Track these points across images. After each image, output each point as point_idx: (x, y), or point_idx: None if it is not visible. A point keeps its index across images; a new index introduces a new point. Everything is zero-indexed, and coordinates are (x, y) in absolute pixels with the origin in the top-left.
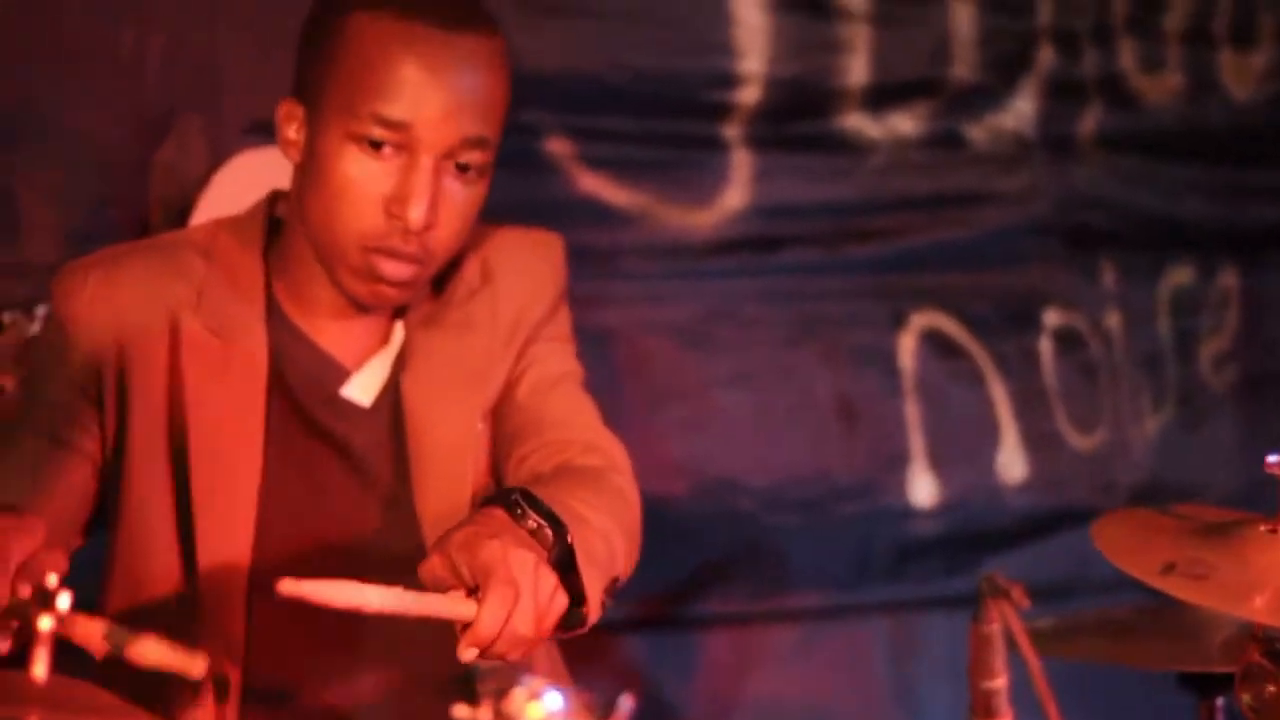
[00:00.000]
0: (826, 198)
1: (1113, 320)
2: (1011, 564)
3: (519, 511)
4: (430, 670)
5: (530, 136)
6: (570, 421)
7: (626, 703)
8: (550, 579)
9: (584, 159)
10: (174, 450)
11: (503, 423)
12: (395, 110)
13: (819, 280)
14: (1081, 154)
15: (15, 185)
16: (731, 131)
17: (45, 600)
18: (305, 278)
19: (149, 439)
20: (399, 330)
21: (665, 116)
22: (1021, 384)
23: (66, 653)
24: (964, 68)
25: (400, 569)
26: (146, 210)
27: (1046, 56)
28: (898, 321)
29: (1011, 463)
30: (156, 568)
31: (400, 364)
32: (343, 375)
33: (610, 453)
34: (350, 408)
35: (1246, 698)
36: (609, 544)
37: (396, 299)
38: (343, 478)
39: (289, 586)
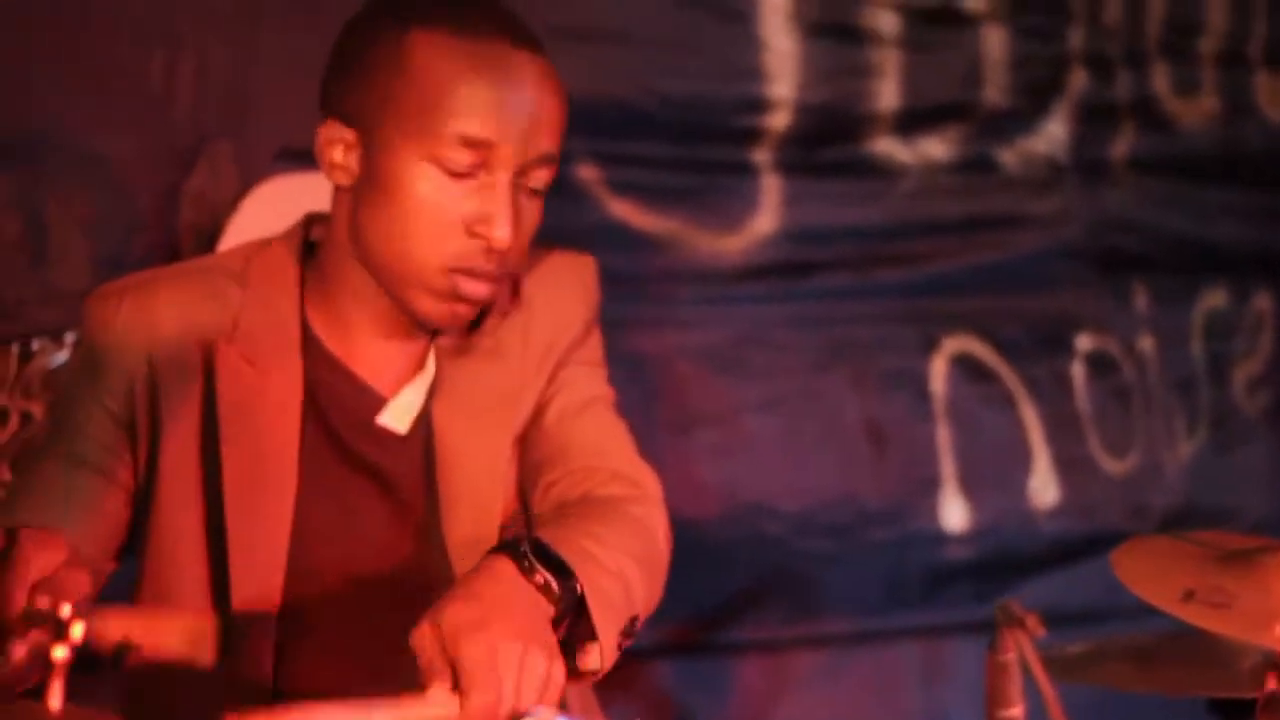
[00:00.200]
0: (857, 222)
1: (1146, 344)
2: (1043, 589)
3: (526, 564)
4: None
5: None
6: (599, 447)
7: None
8: (541, 664)
9: (613, 185)
10: (207, 478)
11: (530, 449)
12: (480, 130)
13: (849, 305)
14: (1114, 178)
15: (45, 212)
16: (761, 157)
17: (60, 631)
18: (345, 303)
19: (181, 467)
20: (433, 356)
21: (695, 142)
22: (1053, 408)
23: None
24: (995, 91)
25: (435, 593)
26: (176, 237)
27: (1078, 80)
28: (929, 346)
29: (1043, 487)
30: (185, 595)
31: (433, 390)
32: (378, 402)
33: (638, 480)
34: (386, 435)
35: None
36: (624, 583)
37: (470, 318)
38: (377, 506)
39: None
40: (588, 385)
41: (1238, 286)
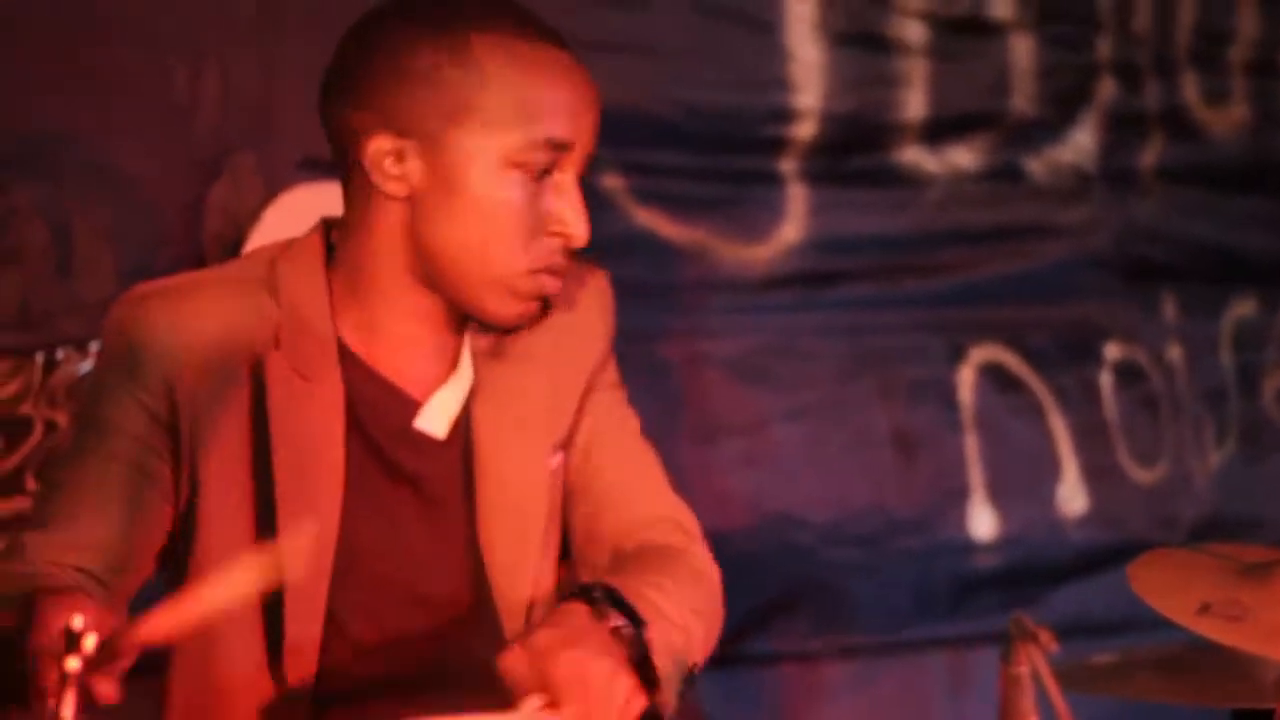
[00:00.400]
0: (883, 232)
1: (1174, 353)
2: (1071, 598)
3: (599, 609)
4: None
5: (586, 172)
6: (642, 487)
7: None
8: (626, 686)
9: (639, 195)
10: (258, 491)
11: (565, 471)
12: (564, 131)
13: (876, 314)
14: (1142, 187)
15: (70, 223)
16: (787, 166)
17: (72, 642)
18: (378, 309)
19: (229, 478)
20: (466, 356)
21: (721, 152)
22: (1082, 417)
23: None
24: (1023, 100)
25: (471, 608)
26: (201, 248)
27: (1107, 89)
28: (957, 355)
29: (1072, 496)
30: (231, 623)
31: (472, 393)
32: (412, 407)
33: (686, 524)
34: (424, 440)
35: None
36: (687, 635)
37: (538, 315)
38: (416, 513)
39: None
40: (618, 411)
41: (1267, 296)
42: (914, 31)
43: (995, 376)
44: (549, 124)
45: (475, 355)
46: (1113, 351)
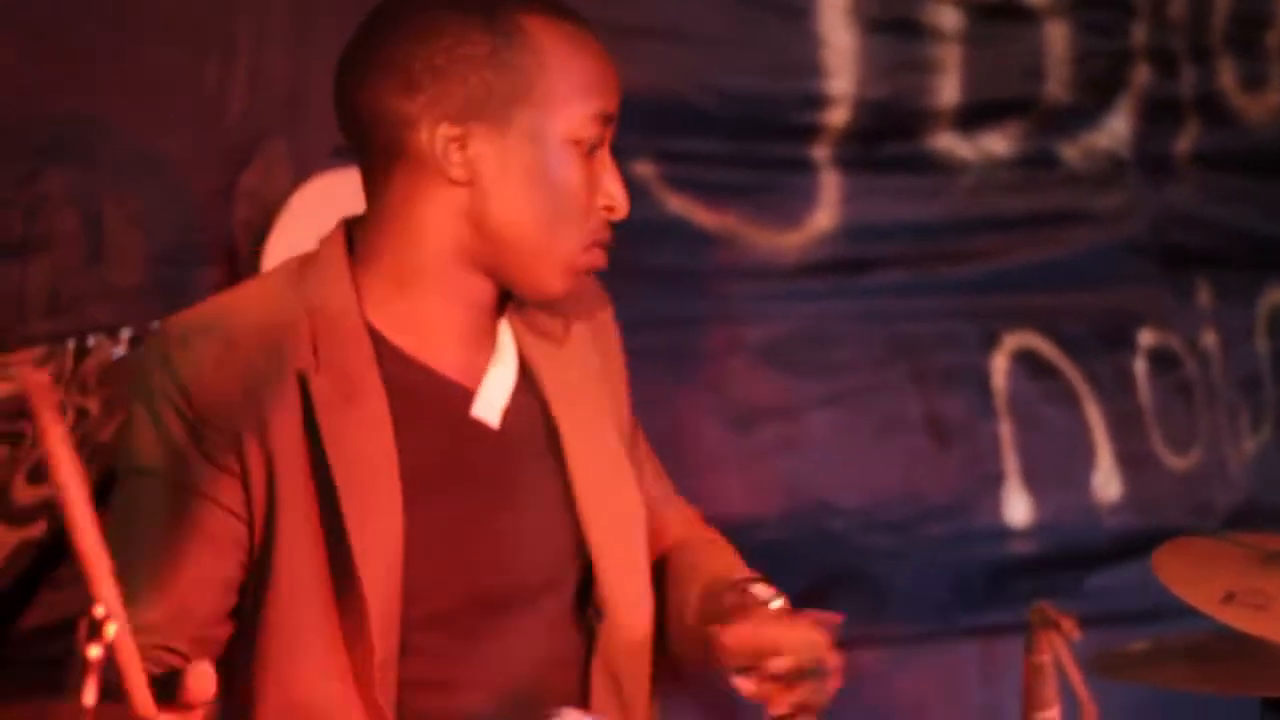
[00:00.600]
0: (917, 218)
1: (1209, 340)
2: (1105, 585)
3: (767, 594)
4: None
5: (617, 158)
6: (665, 487)
7: None
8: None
9: (672, 181)
10: (323, 514)
11: None
12: (612, 104)
13: (910, 301)
14: (1178, 173)
15: (101, 210)
16: (820, 153)
17: (94, 629)
18: (421, 299)
19: (299, 508)
20: (507, 340)
21: (753, 138)
22: (1116, 404)
23: None
24: (1058, 86)
25: (553, 586)
26: (231, 234)
27: (1142, 75)
28: (991, 342)
29: (1106, 483)
30: (313, 642)
31: (525, 374)
32: (464, 395)
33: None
34: (481, 429)
35: None
36: None
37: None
38: (484, 500)
39: None
40: (628, 412)
41: None
42: (948, 17)
43: (1029, 363)
44: (601, 98)
45: (520, 338)
46: (1147, 338)
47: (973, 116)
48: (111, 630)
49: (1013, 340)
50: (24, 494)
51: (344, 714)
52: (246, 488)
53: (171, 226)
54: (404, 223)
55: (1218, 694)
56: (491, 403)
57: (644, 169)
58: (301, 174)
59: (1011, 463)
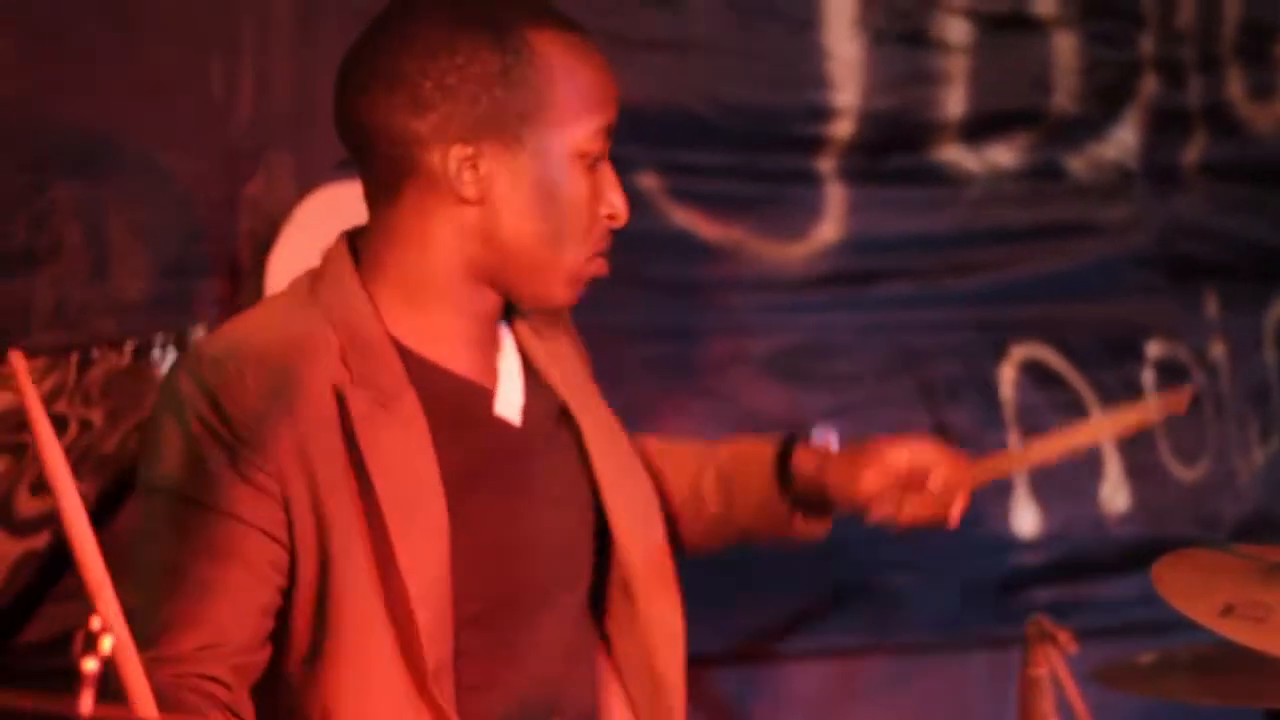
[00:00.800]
0: (923, 231)
1: (1217, 351)
2: (1113, 596)
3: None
4: None
5: (621, 171)
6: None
7: None
8: None
9: (676, 194)
10: (370, 528)
11: None
12: (612, 117)
13: (916, 313)
14: (1185, 184)
15: (105, 221)
16: (825, 165)
17: (90, 642)
18: (436, 314)
19: (345, 522)
20: (509, 341)
21: (758, 151)
22: None
23: None
24: (1065, 98)
25: (574, 580)
26: (235, 247)
27: (1149, 86)
28: (998, 353)
29: (1115, 494)
30: (376, 656)
31: (530, 371)
32: (486, 395)
33: None
34: (505, 427)
35: None
36: None
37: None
38: (514, 498)
39: None
40: None
41: None
42: (955, 28)
43: (1037, 374)
44: (605, 111)
45: (521, 338)
46: (1155, 349)
47: (979, 128)
48: (108, 643)
49: (1020, 351)
50: (27, 505)
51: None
52: (287, 509)
53: (176, 238)
54: (413, 239)
55: (1223, 706)
56: (511, 400)
57: (649, 181)
58: (306, 186)
59: (1020, 474)
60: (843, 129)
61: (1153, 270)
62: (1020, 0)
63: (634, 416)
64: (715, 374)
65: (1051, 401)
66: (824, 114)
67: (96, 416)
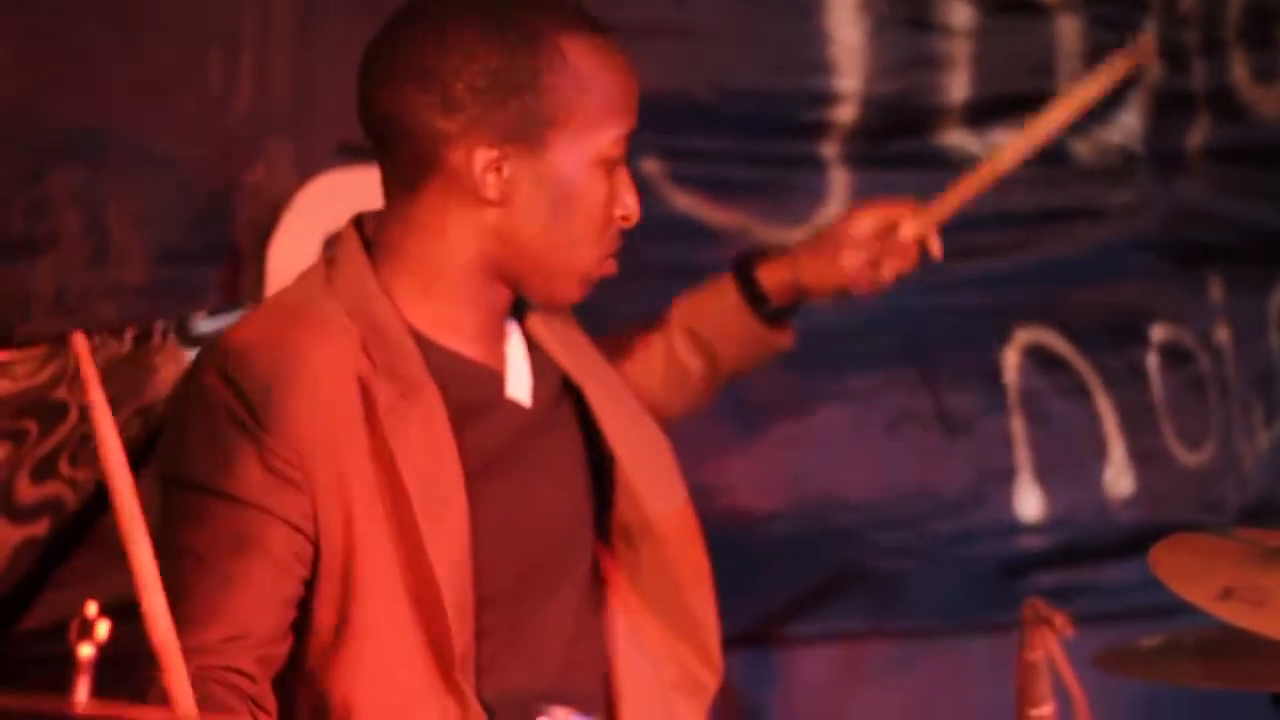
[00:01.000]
0: None
1: (1222, 335)
2: (1117, 580)
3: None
4: None
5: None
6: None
7: None
8: None
9: (678, 179)
10: (395, 516)
11: None
12: (634, 122)
13: (920, 297)
14: (1190, 167)
15: (105, 209)
16: (828, 150)
17: (85, 628)
18: (450, 305)
19: (371, 511)
20: (512, 321)
21: (761, 136)
22: (1128, 399)
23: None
24: (1068, 82)
25: (581, 556)
26: (235, 234)
27: (1153, 70)
28: (1002, 337)
29: (1118, 478)
30: (400, 645)
31: (537, 351)
32: (497, 378)
33: None
34: (516, 408)
35: None
36: None
37: None
38: (526, 478)
39: None
40: None
41: None
42: (958, 12)
43: (1041, 358)
44: (629, 117)
45: (525, 322)
46: (1159, 333)
47: (983, 112)
48: (103, 630)
49: (1024, 335)
50: (27, 492)
51: (436, 708)
52: (312, 501)
53: (176, 225)
54: (431, 233)
55: (1226, 690)
56: (521, 382)
57: (651, 166)
58: (306, 173)
59: (1023, 458)
60: (846, 113)
61: (1157, 254)
62: None
63: None
64: None
65: (1055, 386)
66: (827, 98)
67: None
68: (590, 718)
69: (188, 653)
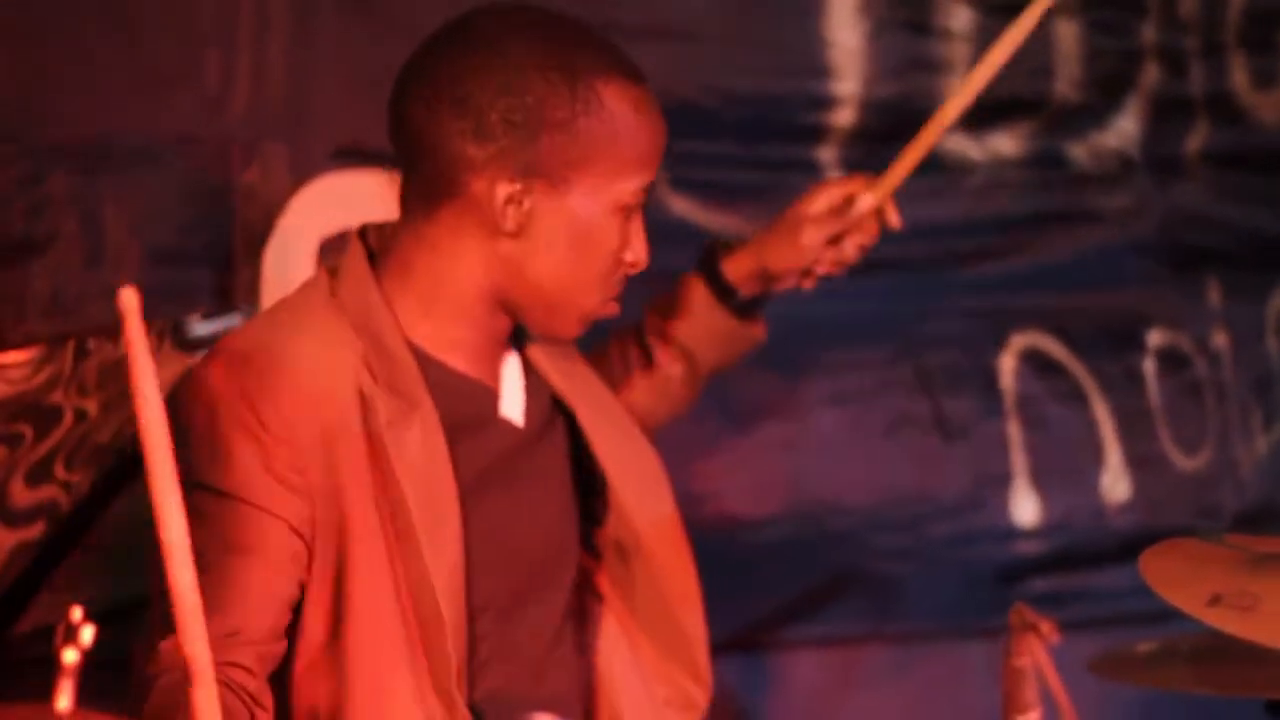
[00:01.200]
0: (924, 219)
1: (1220, 340)
2: (1113, 586)
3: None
4: None
5: None
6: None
7: None
8: None
9: (675, 183)
10: (391, 528)
11: None
12: (653, 174)
13: (917, 301)
14: (1187, 172)
15: (101, 211)
16: (827, 154)
17: (69, 633)
18: (453, 327)
19: (366, 521)
20: (509, 345)
21: (759, 140)
22: (1125, 404)
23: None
24: (1066, 86)
25: (565, 573)
26: (231, 237)
27: (1151, 74)
28: (999, 342)
29: (1115, 483)
30: (396, 659)
31: (531, 372)
32: (490, 396)
33: None
34: (509, 427)
35: None
36: None
37: None
38: (516, 495)
39: None
40: None
41: None
42: (957, 16)
43: (1037, 363)
44: (654, 168)
45: (522, 345)
46: (1156, 338)
47: (981, 116)
48: (87, 635)
49: (1021, 340)
50: (22, 496)
51: (423, 715)
52: (311, 504)
53: (171, 228)
54: (442, 254)
55: (1217, 696)
56: (514, 402)
57: None
58: (301, 176)
59: (1019, 463)
60: (844, 117)
61: (1154, 259)
62: None
63: None
64: None
65: (1052, 390)
66: (825, 102)
67: (92, 406)
68: None
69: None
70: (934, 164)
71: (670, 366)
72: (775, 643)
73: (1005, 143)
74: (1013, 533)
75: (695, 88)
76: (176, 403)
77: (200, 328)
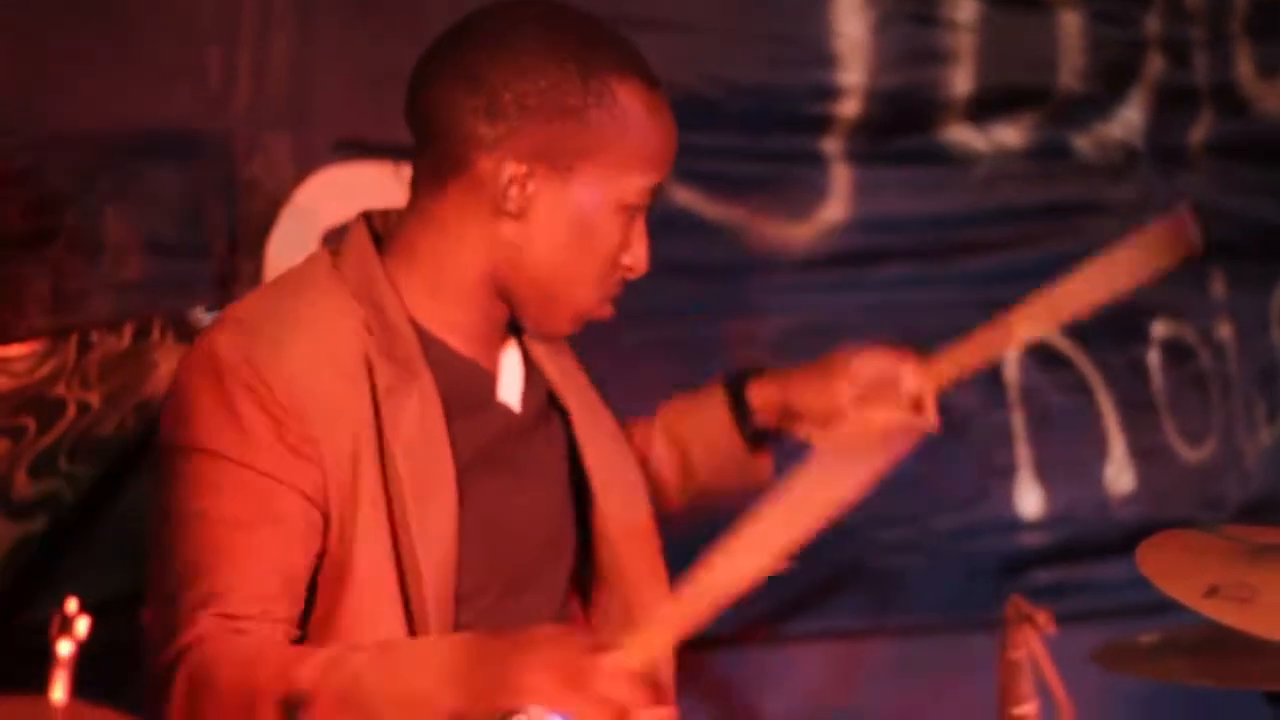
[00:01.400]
0: (929, 210)
1: (1224, 331)
2: (1117, 578)
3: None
4: None
5: None
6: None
7: None
8: None
9: (679, 174)
10: (390, 500)
11: None
12: (664, 175)
13: (921, 293)
14: (1192, 163)
15: (100, 204)
16: (831, 145)
17: (64, 625)
18: (455, 308)
19: (371, 494)
20: (509, 334)
21: (763, 131)
22: (1129, 395)
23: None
24: (1071, 77)
25: (558, 565)
26: (233, 229)
27: (1155, 65)
28: None
29: (1119, 475)
30: (382, 626)
31: (530, 364)
32: (488, 378)
33: None
34: (506, 411)
35: None
36: None
37: None
38: (510, 481)
39: None
40: None
41: None
42: (962, 7)
43: (1041, 354)
44: (661, 171)
45: (521, 335)
46: (1160, 329)
47: (985, 107)
48: (82, 627)
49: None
50: (25, 488)
51: None
52: (323, 472)
53: (173, 220)
54: (447, 234)
55: (1219, 687)
56: (512, 387)
57: None
58: (303, 168)
59: (1023, 454)
60: (849, 108)
61: None
62: None
63: (636, 399)
64: (719, 356)
65: (1056, 382)
66: (830, 93)
67: (95, 399)
68: (566, 717)
69: (213, 599)
70: (939, 155)
71: (664, 468)
72: (778, 636)
73: (1010, 134)
74: (1017, 525)
75: (699, 78)
76: (184, 372)
77: (204, 320)
